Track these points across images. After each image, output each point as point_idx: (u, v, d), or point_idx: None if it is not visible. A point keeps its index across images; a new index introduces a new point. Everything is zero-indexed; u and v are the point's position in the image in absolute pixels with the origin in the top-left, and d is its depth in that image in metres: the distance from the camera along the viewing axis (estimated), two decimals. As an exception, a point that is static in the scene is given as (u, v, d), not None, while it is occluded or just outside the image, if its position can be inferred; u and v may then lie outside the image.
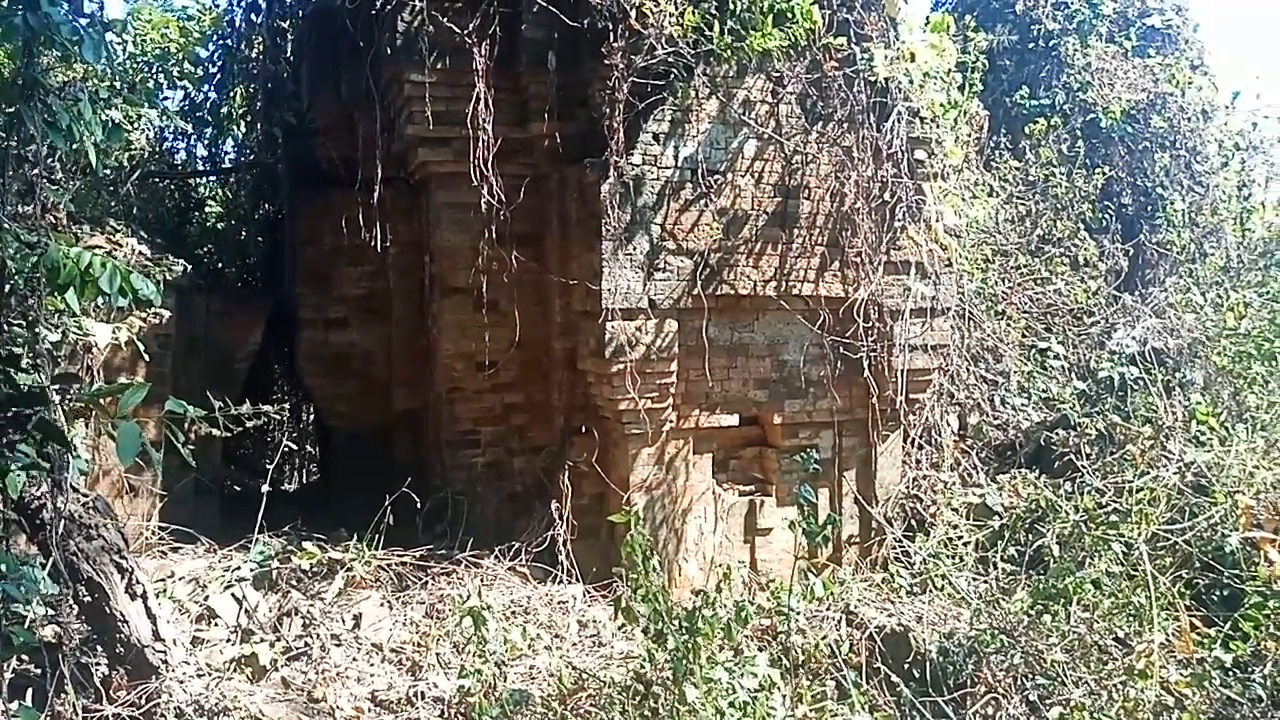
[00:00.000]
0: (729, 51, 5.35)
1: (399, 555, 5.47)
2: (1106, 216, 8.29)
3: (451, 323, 6.10)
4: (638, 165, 5.47)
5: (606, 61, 5.36)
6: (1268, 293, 6.52)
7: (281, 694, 4.33)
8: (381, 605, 5.17)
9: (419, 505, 5.50)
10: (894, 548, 6.18)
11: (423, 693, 4.10)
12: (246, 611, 4.82)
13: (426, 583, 5.40)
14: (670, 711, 3.41)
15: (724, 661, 4.18)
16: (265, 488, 5.29)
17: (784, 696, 4.51)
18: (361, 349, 6.88)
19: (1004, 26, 8.98)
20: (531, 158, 5.96)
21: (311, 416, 9.10)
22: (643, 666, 3.60)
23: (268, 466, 6.04)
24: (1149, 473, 5.14)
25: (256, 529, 5.32)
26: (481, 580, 5.40)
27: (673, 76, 5.34)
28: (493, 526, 6.04)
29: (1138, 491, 4.96)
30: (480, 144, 5.52)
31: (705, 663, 3.78)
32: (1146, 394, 6.16)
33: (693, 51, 5.31)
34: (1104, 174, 8.29)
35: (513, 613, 5.19)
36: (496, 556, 5.62)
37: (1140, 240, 8.18)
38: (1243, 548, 4.74)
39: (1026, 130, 8.45)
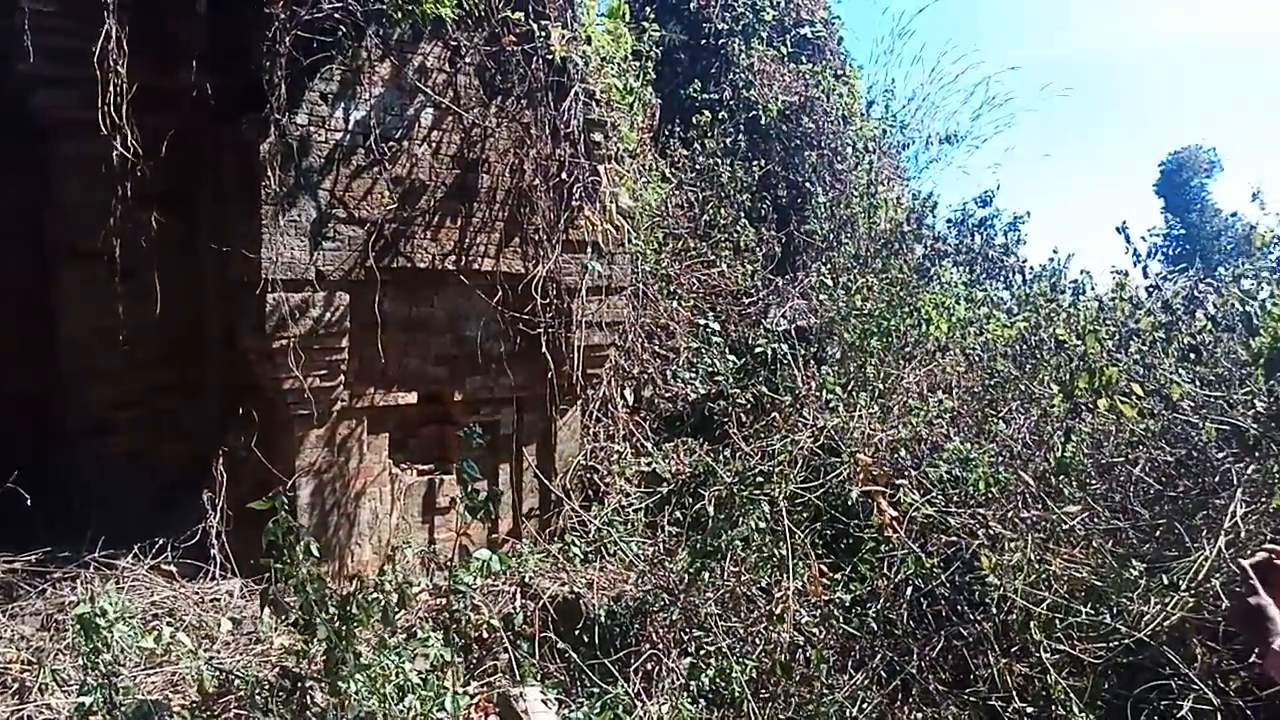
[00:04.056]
0: (401, 14, 5.13)
1: (7, 561, 4.70)
2: (764, 206, 9.11)
3: (79, 293, 5.32)
4: (303, 126, 5.09)
5: (267, 10, 4.93)
6: (886, 278, 7.55)
7: None
8: (-18, 622, 4.41)
9: (37, 503, 4.75)
10: (571, 518, 6.37)
11: (29, 717, 3.56)
12: None
13: (45, 590, 4.70)
14: (325, 706, 3.24)
15: (395, 645, 4.07)
16: None
17: (459, 674, 4.50)
18: (-40, 322, 5.78)
19: (677, 23, 9.52)
20: (180, 110, 5.31)
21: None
22: (298, 662, 3.38)
23: None
24: (789, 437, 5.74)
25: None
26: (116, 583, 4.80)
27: (341, 34, 5.02)
28: (136, 522, 5.36)
29: (778, 454, 5.51)
30: (112, 89, 4.83)
31: (367, 649, 3.65)
32: (794, 367, 6.86)
33: (363, 9, 5.02)
34: (761, 167, 9.10)
35: (154, 616, 4.68)
36: (136, 556, 5.02)
37: (791, 229, 9.09)
38: (861, 500, 5.44)
39: (694, 121, 9.04)
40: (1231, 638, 4.14)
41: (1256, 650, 2.25)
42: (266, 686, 3.31)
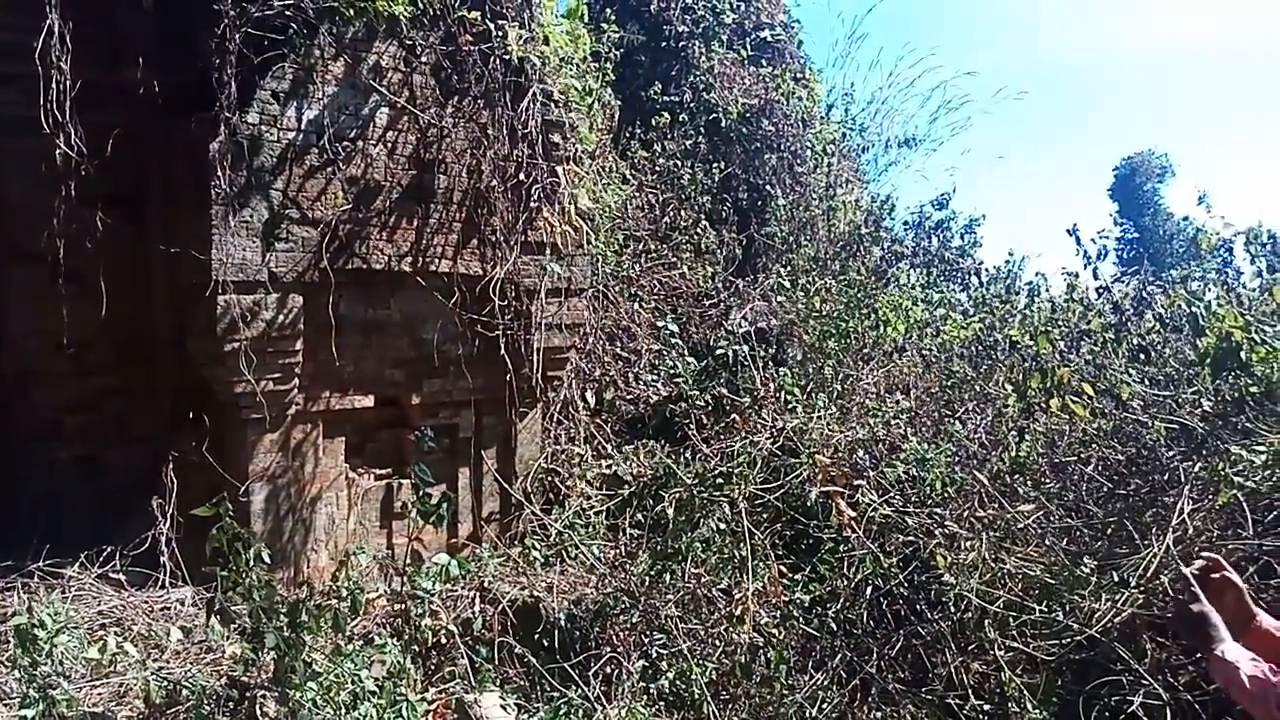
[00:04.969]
0: (354, 11, 5.07)
1: (-54, 571, 4.56)
2: (725, 208, 9.14)
3: (23, 294, 5.19)
4: (254, 125, 5.00)
5: (216, 6, 4.83)
6: (844, 279, 7.61)
7: None
8: (-80, 634, 4.27)
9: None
10: (531, 522, 6.32)
11: (-32, 732, 3.45)
12: None
13: (-13, 601, 4.57)
14: (277, 715, 3.18)
15: (350, 652, 4.00)
16: None
17: (415, 681, 4.44)
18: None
19: (636, 24, 9.51)
20: (126, 108, 5.20)
21: None
22: (246, 671, 3.31)
23: None
24: (748, 439, 5.75)
25: None
26: (62, 592, 4.67)
27: (292, 31, 4.94)
28: (84, 529, 5.24)
29: (738, 456, 5.52)
30: (55, 86, 4.70)
31: (321, 657, 3.59)
32: (753, 369, 6.88)
33: (315, 6, 4.95)
34: (721, 170, 9.14)
35: (102, 626, 4.56)
36: (83, 564, 4.89)
37: (752, 231, 9.14)
38: (820, 500, 5.47)
39: (653, 123, 9.04)
40: (1179, 636, 4.23)
41: (1200, 656, 2.31)
42: (214, 696, 3.24)
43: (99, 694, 3.92)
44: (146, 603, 4.83)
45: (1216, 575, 2.41)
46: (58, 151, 4.71)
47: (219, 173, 4.84)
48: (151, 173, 5.35)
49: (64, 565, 4.85)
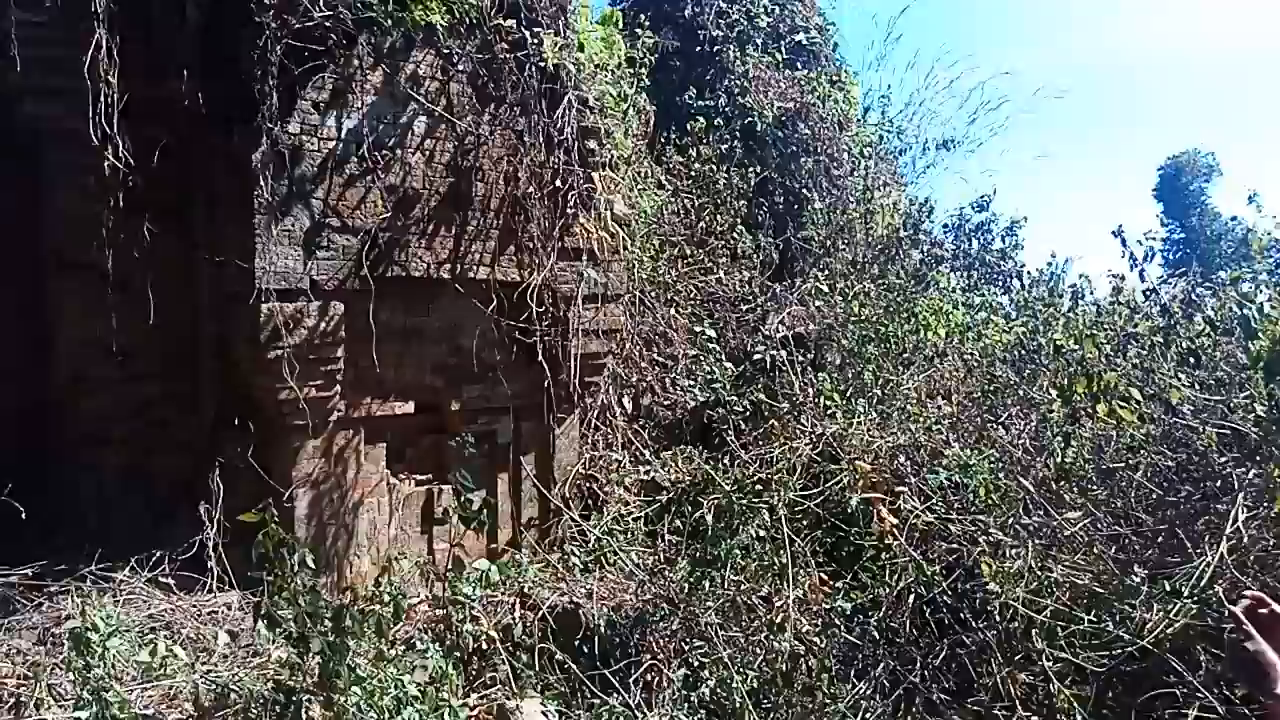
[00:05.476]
0: (391, 21, 5.12)
1: (3, 575, 4.66)
2: (761, 213, 9.10)
3: (73, 303, 5.31)
4: (295, 135, 5.07)
5: (258, 19, 4.91)
6: (883, 284, 7.53)
7: None
8: (-25, 636, 4.37)
9: (34, 516, 4.72)
10: (570, 528, 6.33)
11: (24, 734, 3.52)
12: None
13: (41, 604, 4.67)
14: (321, 719, 3.20)
15: (393, 657, 4.03)
16: None
17: (457, 686, 4.46)
18: (-48, 336, 5.74)
19: (671, 30, 9.51)
20: (171, 119, 5.30)
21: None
22: (292, 675, 3.34)
23: None
24: (788, 445, 5.70)
25: None
26: (113, 596, 4.76)
27: (332, 42, 5.00)
28: (133, 535, 5.33)
29: (778, 462, 5.48)
30: (103, 99, 4.81)
31: (365, 662, 3.61)
32: (792, 375, 6.83)
33: (353, 17, 5.01)
34: (758, 174, 9.09)
35: (152, 629, 4.64)
36: (133, 568, 4.98)
37: (789, 236, 9.08)
38: (861, 507, 5.40)
39: (689, 128, 9.03)
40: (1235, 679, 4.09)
41: (1260, 698, 2.21)
42: (261, 700, 3.28)
43: (150, 696, 3.99)
44: (195, 607, 4.91)
45: (1264, 611, 2.31)
46: (106, 163, 4.80)
47: (261, 182, 4.91)
48: (196, 183, 5.44)
49: (115, 569, 4.94)
